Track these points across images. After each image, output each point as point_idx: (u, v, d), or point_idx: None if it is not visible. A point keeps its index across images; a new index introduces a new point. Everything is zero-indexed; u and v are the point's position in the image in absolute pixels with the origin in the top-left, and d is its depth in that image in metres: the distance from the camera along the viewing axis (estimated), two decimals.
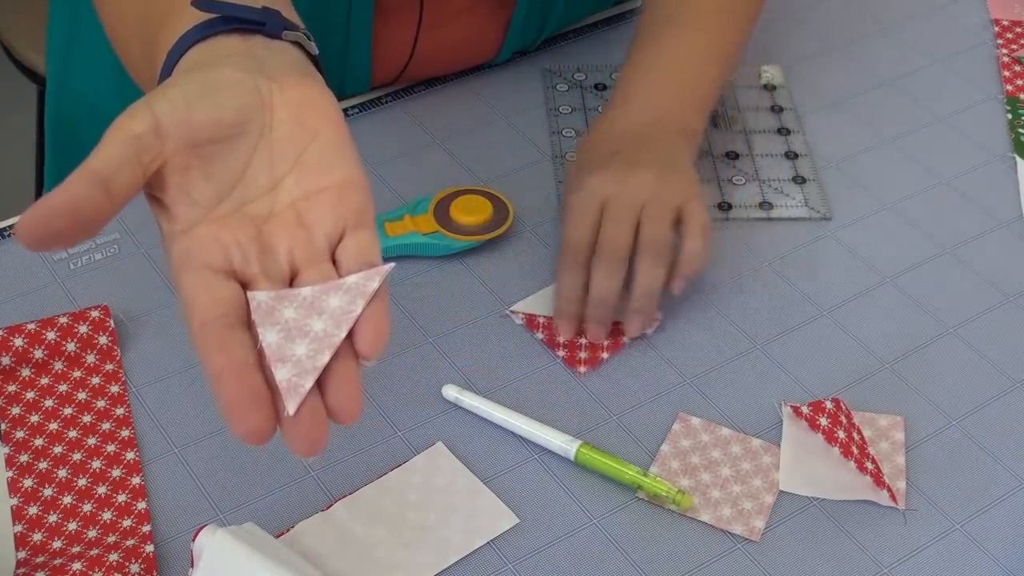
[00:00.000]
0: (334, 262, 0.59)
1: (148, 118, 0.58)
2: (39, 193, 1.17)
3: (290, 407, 0.55)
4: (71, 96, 1.07)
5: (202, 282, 0.57)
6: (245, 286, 0.58)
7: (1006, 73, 1.06)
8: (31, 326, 0.80)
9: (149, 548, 0.70)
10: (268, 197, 0.61)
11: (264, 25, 0.64)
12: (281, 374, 0.55)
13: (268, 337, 0.56)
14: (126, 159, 0.57)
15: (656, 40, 0.93)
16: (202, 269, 0.58)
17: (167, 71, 0.65)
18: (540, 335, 0.83)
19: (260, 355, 0.56)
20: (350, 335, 0.57)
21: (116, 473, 0.75)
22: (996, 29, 1.11)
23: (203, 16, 0.65)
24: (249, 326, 0.57)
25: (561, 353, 0.82)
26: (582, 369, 0.82)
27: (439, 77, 1.03)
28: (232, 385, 0.55)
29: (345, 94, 1.00)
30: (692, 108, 0.91)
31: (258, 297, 0.57)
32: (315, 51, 0.67)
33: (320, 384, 0.56)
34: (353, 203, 0.61)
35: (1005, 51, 1.08)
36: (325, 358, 0.56)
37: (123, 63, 0.81)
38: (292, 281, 0.59)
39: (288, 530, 0.72)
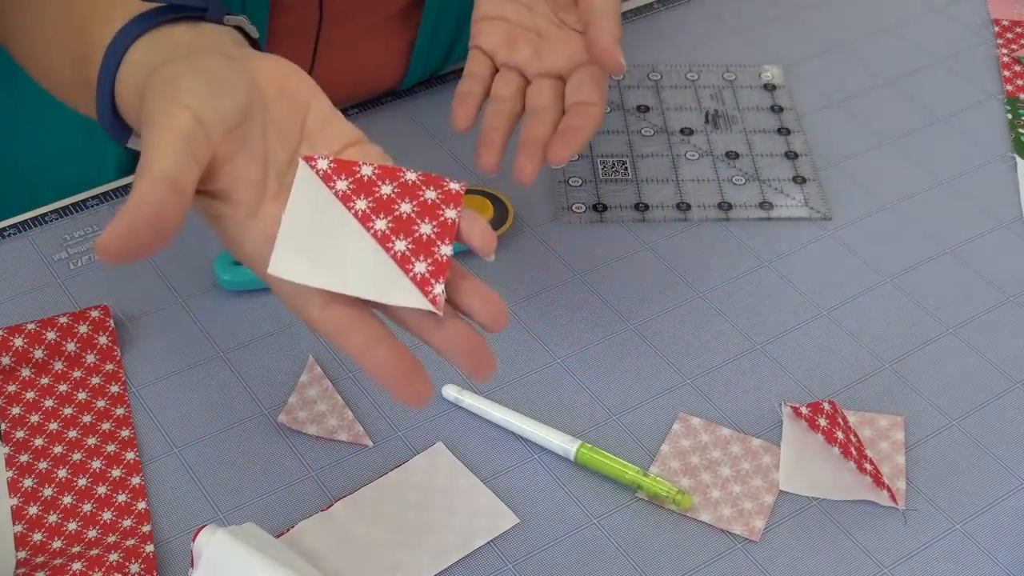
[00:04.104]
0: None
1: (188, 115, 0.59)
2: None
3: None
4: None
5: None
6: None
7: (1006, 73, 1.06)
8: (31, 326, 0.80)
9: (149, 548, 0.70)
10: (294, 169, 0.62)
11: (207, 11, 0.65)
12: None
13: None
14: (183, 158, 0.58)
15: None
16: None
17: (109, 66, 0.65)
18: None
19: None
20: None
21: (116, 473, 0.75)
22: (996, 29, 1.11)
23: (135, 10, 0.65)
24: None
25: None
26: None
27: (358, 103, 1.01)
28: (387, 355, 0.59)
29: None
30: None
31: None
32: (256, 34, 0.69)
33: (453, 305, 0.61)
34: (374, 155, 0.63)
35: (1005, 51, 1.08)
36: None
37: (36, 76, 0.80)
38: None
39: (288, 530, 0.72)
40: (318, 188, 0.61)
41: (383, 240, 0.61)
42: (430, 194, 0.62)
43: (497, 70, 0.82)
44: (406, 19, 0.99)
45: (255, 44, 0.69)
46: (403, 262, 0.60)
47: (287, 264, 0.60)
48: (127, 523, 0.72)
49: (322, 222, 0.61)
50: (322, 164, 0.61)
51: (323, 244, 0.60)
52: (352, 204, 0.61)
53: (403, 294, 0.60)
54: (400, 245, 0.61)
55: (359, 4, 0.97)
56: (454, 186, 0.62)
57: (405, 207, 0.61)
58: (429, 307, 0.60)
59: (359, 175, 0.62)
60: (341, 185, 0.61)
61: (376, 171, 0.62)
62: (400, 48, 0.99)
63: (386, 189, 0.61)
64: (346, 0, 0.96)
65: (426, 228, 0.61)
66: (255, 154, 0.62)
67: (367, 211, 0.61)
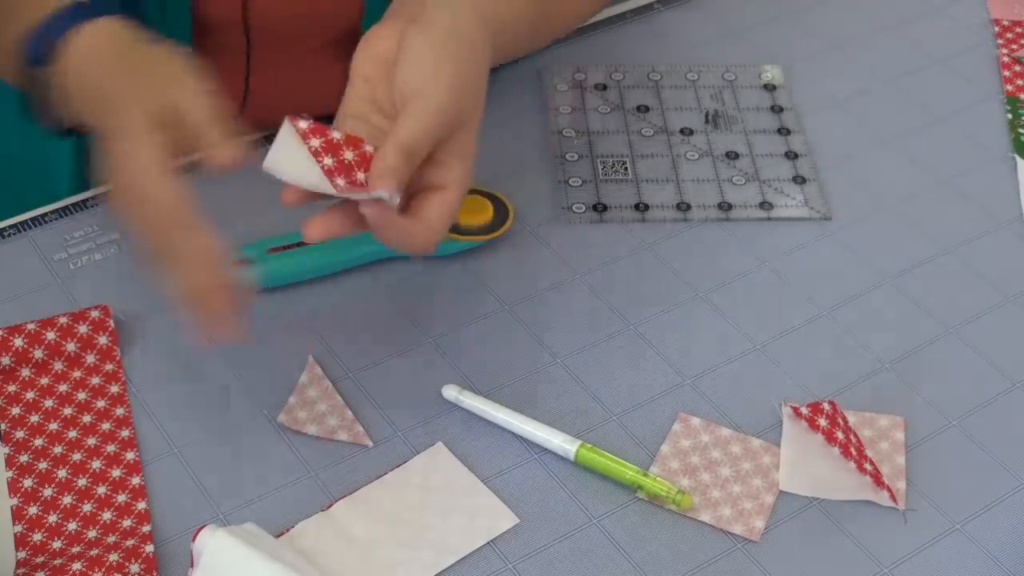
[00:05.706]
0: None
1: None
2: None
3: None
4: None
5: None
6: None
7: (1006, 73, 1.06)
8: (31, 326, 0.80)
9: (149, 548, 0.70)
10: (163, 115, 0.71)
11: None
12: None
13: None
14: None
15: None
16: None
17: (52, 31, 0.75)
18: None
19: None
20: None
21: (116, 473, 0.75)
22: (996, 29, 1.11)
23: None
24: None
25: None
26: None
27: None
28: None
29: None
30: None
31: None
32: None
33: None
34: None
35: (1005, 51, 1.08)
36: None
37: None
38: None
39: (288, 530, 0.72)
40: (296, 142, 0.71)
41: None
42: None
43: None
44: (347, 45, 0.96)
45: None
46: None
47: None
48: (127, 523, 0.72)
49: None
50: (302, 124, 0.70)
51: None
52: (321, 160, 0.71)
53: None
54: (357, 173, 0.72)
55: (289, 31, 0.95)
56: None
57: (360, 176, 0.71)
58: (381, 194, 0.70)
59: (330, 137, 0.71)
60: (314, 143, 0.71)
61: (344, 136, 0.71)
62: (341, 74, 0.96)
63: (348, 155, 0.71)
64: (274, 26, 0.95)
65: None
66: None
67: (331, 168, 0.71)
